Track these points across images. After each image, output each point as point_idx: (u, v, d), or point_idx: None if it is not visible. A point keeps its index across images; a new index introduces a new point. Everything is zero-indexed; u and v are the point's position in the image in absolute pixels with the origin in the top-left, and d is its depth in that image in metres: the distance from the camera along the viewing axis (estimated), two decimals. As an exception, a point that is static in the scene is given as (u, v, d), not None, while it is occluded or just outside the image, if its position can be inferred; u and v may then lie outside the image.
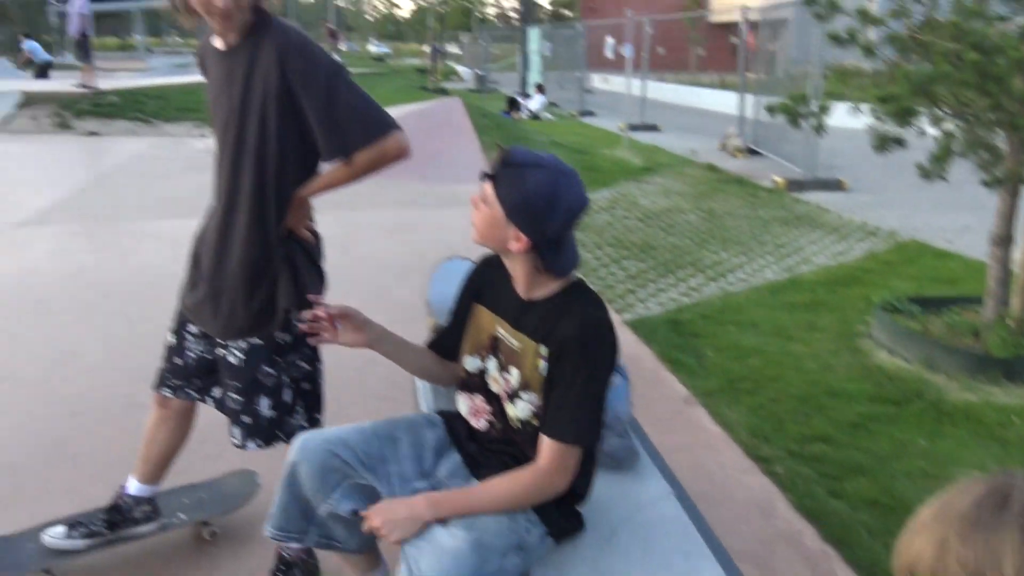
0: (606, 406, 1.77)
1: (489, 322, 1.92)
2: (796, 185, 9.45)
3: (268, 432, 2.26)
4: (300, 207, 2.20)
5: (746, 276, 5.93)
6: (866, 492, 3.01)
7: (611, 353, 1.76)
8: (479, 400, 1.93)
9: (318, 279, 2.28)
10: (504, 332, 1.88)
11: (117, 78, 17.71)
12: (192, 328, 2.36)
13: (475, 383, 1.93)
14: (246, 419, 2.25)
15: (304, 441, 1.90)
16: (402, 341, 2.03)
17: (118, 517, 2.55)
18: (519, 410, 1.83)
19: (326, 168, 2.21)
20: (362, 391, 3.76)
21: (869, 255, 6.54)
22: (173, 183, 9.18)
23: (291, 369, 2.26)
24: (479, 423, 1.94)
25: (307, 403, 2.33)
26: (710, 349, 4.46)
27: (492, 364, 1.90)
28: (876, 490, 3.02)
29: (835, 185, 9.53)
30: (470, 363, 1.94)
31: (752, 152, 12.14)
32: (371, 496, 1.86)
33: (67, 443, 3.38)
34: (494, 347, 1.90)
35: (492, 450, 1.92)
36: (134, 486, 2.56)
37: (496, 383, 1.89)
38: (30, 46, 19.66)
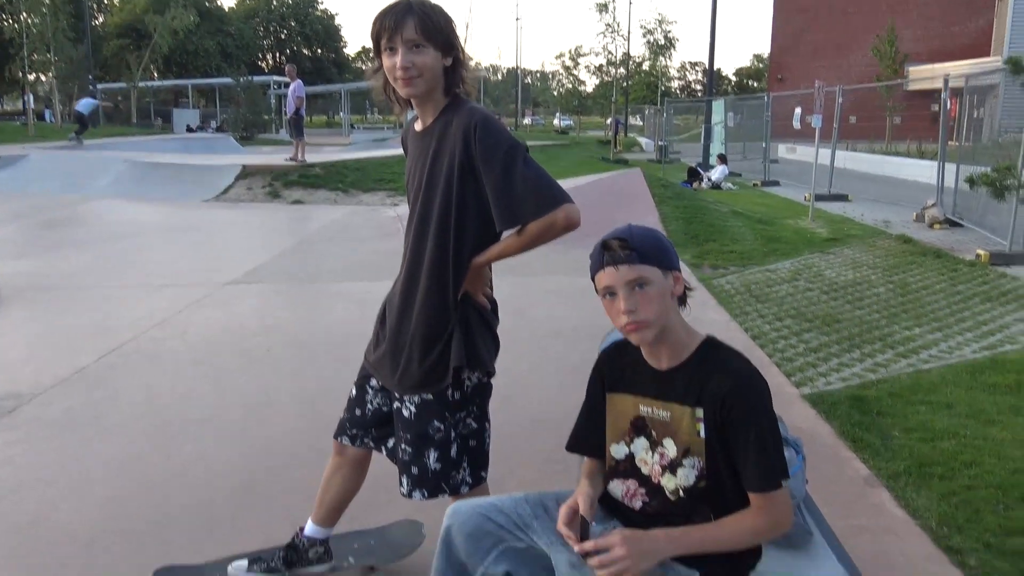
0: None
1: (630, 405, 1.94)
2: (1002, 258, 8.75)
3: (433, 484, 2.35)
4: (477, 273, 2.31)
5: (941, 354, 5.53)
6: (1076, 596, 2.69)
7: (769, 396, 1.78)
8: (632, 483, 1.95)
9: (492, 342, 2.38)
10: (649, 408, 1.90)
11: (323, 152, 19.26)
12: (373, 382, 2.54)
13: (624, 468, 1.96)
14: (414, 470, 2.36)
15: (456, 507, 2.00)
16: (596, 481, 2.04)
17: (294, 556, 2.71)
18: (680, 478, 1.83)
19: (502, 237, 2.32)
20: (531, 451, 3.80)
21: (1087, 335, 5.92)
22: (365, 248, 9.79)
23: (459, 426, 2.35)
24: (635, 503, 1.95)
25: (473, 460, 2.40)
26: (897, 429, 4.17)
27: (640, 444, 1.92)
28: (1088, 594, 2.70)
29: (1047, 259, 8.74)
30: (616, 451, 1.98)
31: (952, 224, 11.39)
32: (524, 559, 1.89)
33: (258, 485, 3.63)
34: (640, 427, 1.92)
35: (649, 525, 1.89)
36: (310, 528, 2.73)
37: (646, 464, 1.91)
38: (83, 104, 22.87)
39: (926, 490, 3.49)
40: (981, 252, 9.00)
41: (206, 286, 7.64)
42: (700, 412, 1.79)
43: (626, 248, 1.79)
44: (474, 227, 2.27)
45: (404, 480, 2.40)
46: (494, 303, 2.42)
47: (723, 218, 12.05)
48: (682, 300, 1.91)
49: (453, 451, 2.35)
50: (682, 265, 7.90)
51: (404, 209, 13.13)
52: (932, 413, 4.38)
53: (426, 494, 2.36)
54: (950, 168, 11.93)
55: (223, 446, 4.07)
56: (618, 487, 1.97)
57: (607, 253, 1.82)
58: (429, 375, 2.30)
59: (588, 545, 1.72)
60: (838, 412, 4.38)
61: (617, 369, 1.99)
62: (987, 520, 3.22)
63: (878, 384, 4.89)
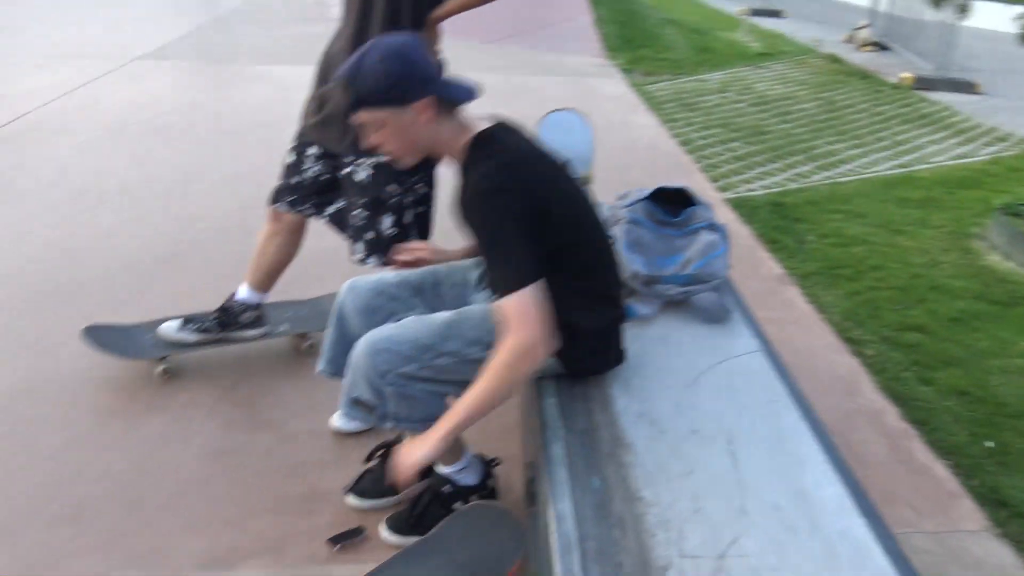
0: (526, 245, 1.65)
1: None
2: (925, 83, 8.88)
3: (388, 248, 2.35)
4: (433, 30, 2.26)
5: (859, 169, 5.70)
6: (957, 382, 2.96)
7: (502, 200, 1.64)
8: None
9: None
10: None
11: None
12: (312, 149, 2.45)
13: None
14: (369, 235, 2.36)
15: (352, 283, 2.06)
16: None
17: (227, 319, 2.73)
18: None
19: None
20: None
21: (994, 160, 6.17)
22: (286, 31, 9.26)
23: (412, 191, 2.34)
24: None
25: (420, 226, 2.42)
26: (812, 234, 4.36)
27: None
28: (968, 382, 2.97)
29: (967, 87, 8.92)
30: None
31: (881, 47, 11.42)
32: None
33: (183, 255, 3.59)
34: None
35: None
36: (243, 291, 2.73)
37: None
38: None
39: (834, 289, 3.70)
40: (905, 75, 9.11)
41: (114, 59, 7.18)
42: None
43: (346, 94, 1.68)
44: None
45: (359, 246, 2.39)
46: (440, 61, 2.35)
47: (658, 25, 11.80)
48: (448, 108, 1.73)
49: (407, 216, 2.36)
50: (614, 69, 7.76)
51: (328, -8, 12.37)
52: (846, 221, 4.57)
53: (380, 259, 2.38)
54: (887, -10, 11.80)
55: (145, 218, 3.97)
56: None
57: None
58: None
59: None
60: (758, 216, 4.53)
61: None
62: (886, 317, 3.46)
63: (797, 193, 5.04)
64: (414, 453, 1.69)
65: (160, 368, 2.69)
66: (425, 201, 2.41)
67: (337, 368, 2.06)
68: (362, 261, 2.41)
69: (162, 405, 2.56)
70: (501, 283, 1.63)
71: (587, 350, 1.89)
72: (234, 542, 2.03)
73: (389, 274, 2.07)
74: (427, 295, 2.07)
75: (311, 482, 2.25)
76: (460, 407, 1.67)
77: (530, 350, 1.61)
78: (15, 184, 4.29)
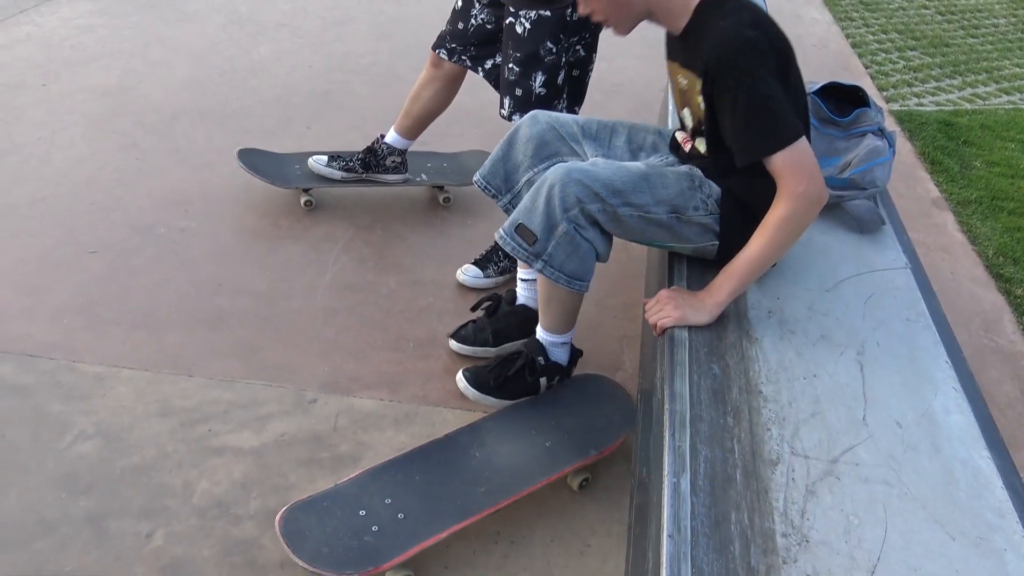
0: (787, 100, 1.61)
1: (672, 71, 1.86)
2: None
3: (536, 106, 2.27)
4: None
5: (1047, 97, 5.21)
6: (1112, 337, 2.77)
7: (759, 55, 1.59)
8: (682, 135, 1.93)
9: None
10: (679, 76, 1.80)
11: None
12: None
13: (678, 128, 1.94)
14: (518, 91, 2.31)
15: (536, 115, 2.00)
16: None
17: (372, 160, 2.79)
18: (700, 145, 1.81)
19: None
20: (613, 111, 3.76)
21: None
22: None
23: (570, 52, 2.28)
24: (687, 148, 1.92)
25: (573, 91, 2.37)
26: (979, 160, 4.05)
27: (684, 111, 1.86)
28: (1125, 338, 2.77)
29: None
30: (675, 117, 1.94)
31: (1101, -35, 10.20)
32: None
33: (334, 94, 3.67)
34: (678, 92, 1.85)
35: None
36: (391, 136, 2.78)
37: (681, 132, 1.92)
38: None
39: (992, 221, 3.46)
40: (1124, 1, 8.14)
41: None
42: (699, 84, 1.68)
43: None
44: None
45: (506, 101, 2.35)
46: None
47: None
48: None
49: (560, 77, 2.30)
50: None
51: None
52: (1021, 152, 4.22)
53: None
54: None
55: (300, 53, 4.05)
56: (680, 136, 1.95)
57: None
58: None
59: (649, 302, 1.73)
60: (923, 133, 4.23)
61: (665, 34, 1.85)
62: (1045, 259, 3.22)
63: (972, 114, 4.66)
64: (693, 317, 1.66)
65: (304, 199, 2.80)
66: (581, 64, 2.34)
67: (489, 183, 2.03)
68: (508, 117, 2.36)
69: (301, 234, 2.68)
70: (770, 139, 1.60)
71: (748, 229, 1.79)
72: (355, 372, 2.14)
73: (569, 116, 2.03)
74: (601, 144, 2.02)
75: (431, 327, 2.33)
76: (740, 266, 1.65)
77: (816, 201, 1.61)
78: (185, 4, 4.43)
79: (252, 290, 2.39)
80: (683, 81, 1.77)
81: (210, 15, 4.33)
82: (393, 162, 2.81)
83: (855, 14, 6.38)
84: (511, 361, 2.00)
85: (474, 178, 2.05)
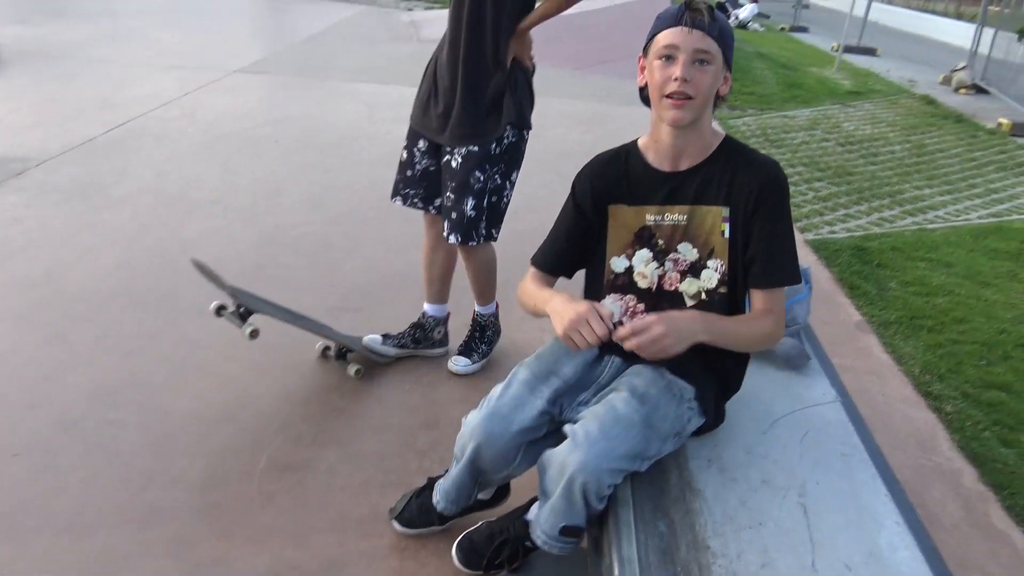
0: None
1: (632, 216, 1.82)
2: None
3: (466, 230, 2.62)
4: (522, 38, 2.50)
5: (948, 216, 5.53)
6: (1042, 446, 2.84)
7: (787, 194, 1.78)
8: (631, 299, 1.84)
9: (531, 100, 2.63)
10: (657, 217, 1.80)
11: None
12: (421, 144, 2.71)
13: (623, 283, 1.85)
14: (454, 215, 2.62)
15: (488, 430, 1.78)
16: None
17: (420, 334, 2.99)
18: (704, 280, 1.78)
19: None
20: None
21: (1096, 214, 5.92)
22: (377, 50, 9.49)
23: (492, 179, 2.60)
24: (671, 287, 1.85)
25: (491, 215, 2.65)
26: (894, 282, 4.24)
27: (641, 257, 1.82)
28: (1055, 447, 2.84)
29: (1070, 136, 8.60)
30: (617, 264, 1.85)
31: (979, 91, 11.09)
32: (542, 446, 1.77)
33: (264, 268, 3.69)
34: (644, 238, 1.82)
35: None
36: (430, 308, 3.00)
37: (644, 278, 1.82)
38: None
39: (914, 340, 3.59)
40: (1003, 121, 8.83)
41: (214, 71, 7.46)
42: (726, 211, 1.74)
43: (711, 17, 1.65)
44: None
45: (446, 225, 2.66)
46: (534, 68, 2.62)
47: (747, 58, 11.68)
48: (717, 102, 1.76)
49: (484, 201, 2.61)
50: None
51: (418, 15, 12.64)
52: (931, 270, 4.44)
53: (460, 239, 2.64)
54: (988, 32, 11.48)
55: (231, 228, 4.10)
56: (616, 304, 1.86)
57: (690, 13, 1.64)
58: (477, 128, 2.53)
59: (624, 330, 1.60)
60: (839, 260, 4.43)
61: (612, 181, 1.85)
62: (968, 373, 3.33)
63: (881, 238, 4.92)
64: (677, 346, 1.61)
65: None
66: (499, 192, 2.63)
67: (461, 508, 2.05)
68: (446, 238, 2.66)
69: (235, 414, 2.63)
70: (784, 272, 1.74)
71: (720, 408, 1.89)
72: (295, 559, 2.06)
73: (523, 415, 1.78)
74: (562, 407, 1.83)
75: (373, 502, 2.27)
76: (720, 325, 1.71)
77: (773, 342, 1.84)
78: (114, 189, 4.48)
79: (185, 481, 2.31)
80: (678, 217, 1.79)
81: (139, 197, 4.38)
82: (439, 333, 3.01)
83: (762, 150, 6.74)
84: (500, 546, 1.97)
85: (439, 508, 2.06)
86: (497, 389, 1.85)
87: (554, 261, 1.96)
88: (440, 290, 2.99)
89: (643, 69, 1.76)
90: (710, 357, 1.76)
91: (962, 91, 11.14)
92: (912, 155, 7.22)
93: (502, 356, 3.04)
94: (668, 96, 1.67)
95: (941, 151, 7.48)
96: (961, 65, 11.75)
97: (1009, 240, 5.08)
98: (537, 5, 2.52)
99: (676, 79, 1.65)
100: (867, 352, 3.48)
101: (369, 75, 8.08)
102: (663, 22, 1.71)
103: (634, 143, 1.87)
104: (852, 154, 7.03)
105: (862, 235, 4.93)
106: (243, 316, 2.61)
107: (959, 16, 21.83)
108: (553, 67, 8.31)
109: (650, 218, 1.81)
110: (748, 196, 1.71)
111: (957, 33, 18.14)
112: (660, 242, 1.81)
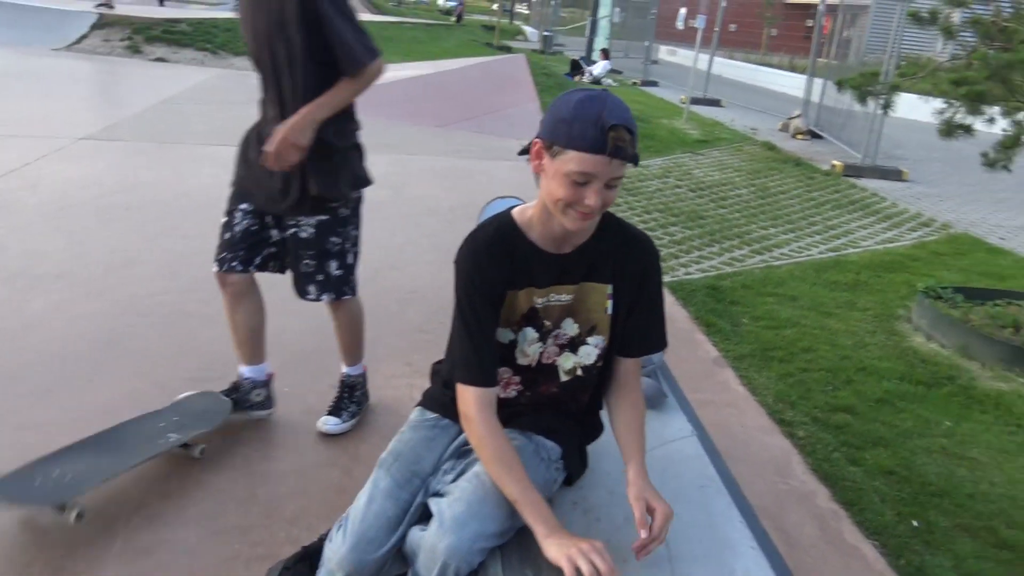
0: None
1: (523, 299, 1.76)
2: (854, 170, 9.31)
3: (338, 287, 2.70)
4: (307, 122, 2.45)
5: (791, 253, 5.91)
6: (884, 462, 3.04)
7: None
8: (506, 372, 1.83)
9: (362, 155, 2.68)
10: (543, 299, 1.76)
11: (190, 8, 17.94)
12: (244, 205, 2.65)
13: (504, 356, 1.81)
14: (320, 278, 2.67)
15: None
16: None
17: (238, 396, 2.86)
18: (582, 356, 1.80)
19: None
20: (402, 322, 3.86)
21: (919, 244, 6.45)
22: (234, 112, 9.33)
23: (349, 237, 2.69)
24: (508, 392, 1.86)
25: (355, 268, 2.76)
26: (746, 317, 4.48)
27: (526, 335, 1.79)
28: (894, 462, 3.05)
29: (894, 174, 9.37)
30: (503, 335, 1.79)
31: (814, 136, 11.96)
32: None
33: (116, 343, 3.53)
34: (531, 318, 1.78)
35: (521, 414, 1.87)
36: (246, 370, 2.86)
37: (525, 356, 1.80)
38: None
39: (767, 371, 3.80)
40: (836, 163, 9.54)
41: (59, 139, 7.14)
42: (610, 289, 1.75)
43: (632, 145, 1.53)
44: (315, 70, 2.44)
45: (311, 288, 2.67)
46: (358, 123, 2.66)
47: (601, 112, 12.15)
48: None
49: (349, 258, 2.70)
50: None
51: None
52: (778, 304, 4.71)
53: (334, 296, 2.70)
54: (817, 83, 12.43)
55: (80, 302, 3.91)
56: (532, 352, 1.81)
57: (616, 144, 1.50)
58: (322, 201, 2.57)
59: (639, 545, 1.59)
60: (695, 299, 4.65)
61: (503, 267, 1.72)
62: (816, 398, 3.55)
63: (733, 276, 5.19)
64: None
65: (75, 512, 2.34)
66: (355, 243, 2.74)
67: None
68: (316, 299, 2.69)
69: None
70: (660, 342, 1.85)
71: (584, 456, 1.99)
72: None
73: (391, 535, 1.68)
74: (427, 489, 1.77)
75: None
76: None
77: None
78: (-54, 267, 4.20)
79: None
80: (564, 297, 1.75)
81: (-24, 275, 4.13)
82: (259, 395, 2.89)
83: (619, 200, 7.03)
84: None
85: None
86: (359, 503, 1.72)
87: (491, 371, 1.75)
88: (252, 351, 2.84)
89: (539, 155, 1.61)
90: (571, 410, 1.86)
91: (799, 137, 11.98)
92: (757, 197, 7.68)
93: (371, 415, 3.02)
94: (578, 215, 1.60)
95: (783, 192, 8.00)
96: (796, 113, 12.64)
97: (846, 272, 5.47)
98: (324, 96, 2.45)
99: (587, 203, 1.56)
100: (725, 386, 3.65)
101: (226, 137, 7.91)
102: (582, 141, 1.52)
103: (510, 220, 1.76)
104: (703, 199, 7.41)
105: (715, 275, 5.20)
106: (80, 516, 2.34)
107: (792, 68, 23.53)
108: (416, 125, 8.42)
109: (538, 300, 1.76)
110: (633, 274, 1.75)
111: (791, 84, 19.54)
112: (547, 323, 1.78)
